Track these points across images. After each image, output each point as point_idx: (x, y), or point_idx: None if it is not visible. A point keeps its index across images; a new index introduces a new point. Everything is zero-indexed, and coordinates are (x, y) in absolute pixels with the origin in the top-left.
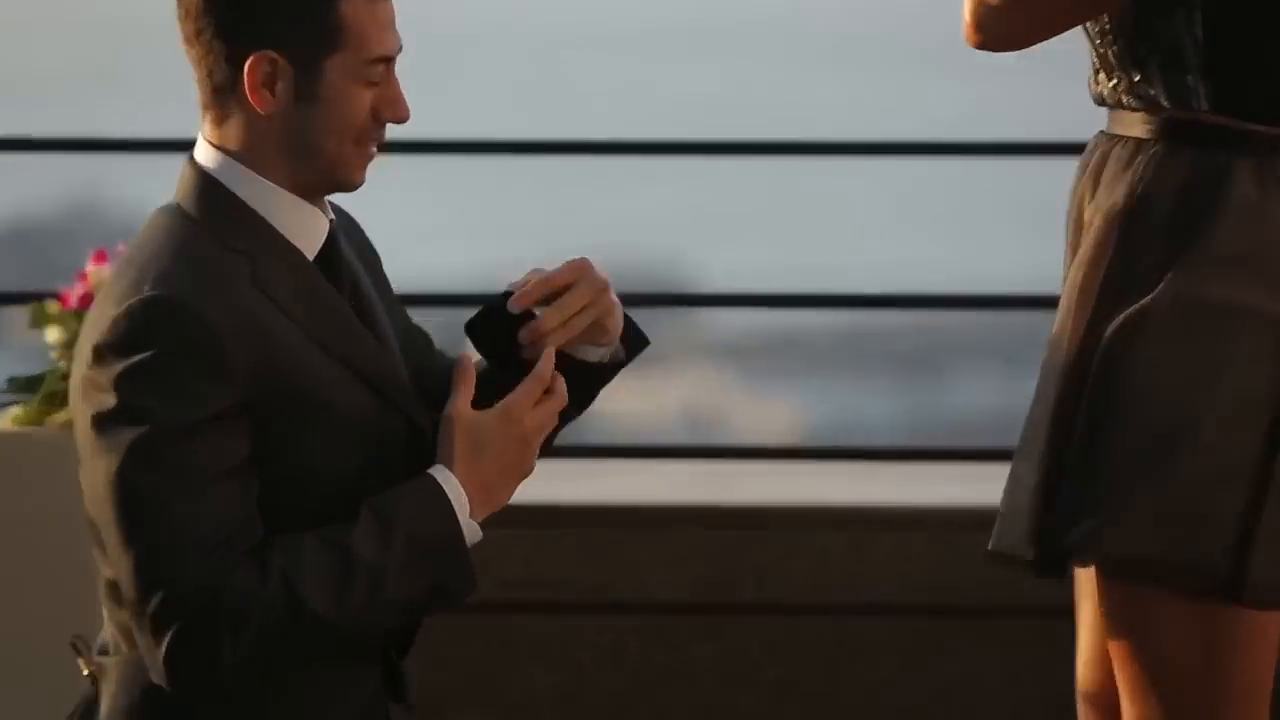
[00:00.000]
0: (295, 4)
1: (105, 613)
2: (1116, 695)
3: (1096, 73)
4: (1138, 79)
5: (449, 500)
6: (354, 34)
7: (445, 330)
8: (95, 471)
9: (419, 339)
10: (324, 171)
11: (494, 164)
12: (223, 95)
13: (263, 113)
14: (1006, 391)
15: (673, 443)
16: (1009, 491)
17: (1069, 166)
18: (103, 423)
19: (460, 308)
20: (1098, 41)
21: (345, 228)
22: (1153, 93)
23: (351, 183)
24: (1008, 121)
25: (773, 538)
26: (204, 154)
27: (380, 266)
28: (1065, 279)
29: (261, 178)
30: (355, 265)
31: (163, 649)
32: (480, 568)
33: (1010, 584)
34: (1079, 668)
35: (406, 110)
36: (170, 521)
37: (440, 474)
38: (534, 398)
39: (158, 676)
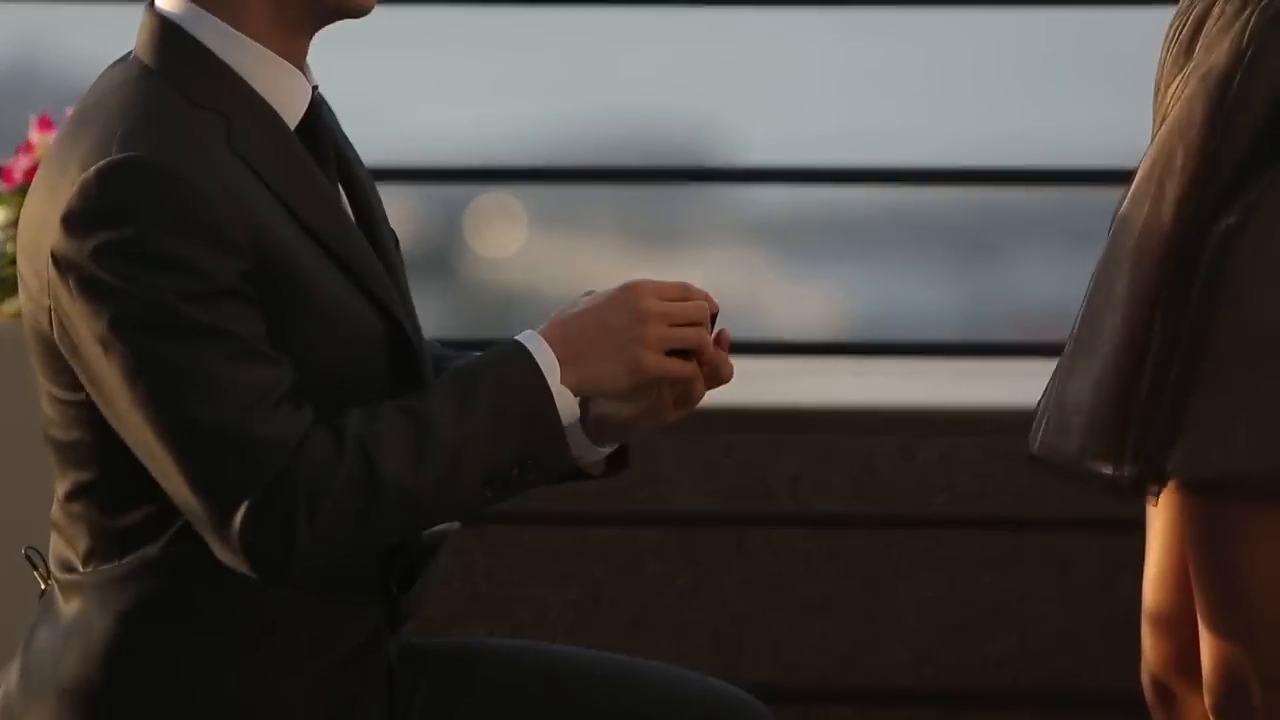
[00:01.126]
0: None
1: (64, 525)
2: (1184, 616)
3: None
4: None
5: (534, 361)
6: None
7: (446, 205)
8: (97, 361)
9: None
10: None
11: (496, 15)
12: None
13: None
14: (1073, 279)
15: None
16: (1060, 387)
17: (1160, 19)
18: (97, 308)
19: (456, 183)
20: None
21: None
22: None
23: (365, 4)
24: None
25: (810, 442)
26: (166, 0)
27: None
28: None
29: (238, 30)
30: (344, 145)
31: (234, 533)
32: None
33: (1068, 495)
34: (1146, 588)
35: None
36: (213, 390)
37: (527, 336)
38: (670, 291)
39: (234, 563)
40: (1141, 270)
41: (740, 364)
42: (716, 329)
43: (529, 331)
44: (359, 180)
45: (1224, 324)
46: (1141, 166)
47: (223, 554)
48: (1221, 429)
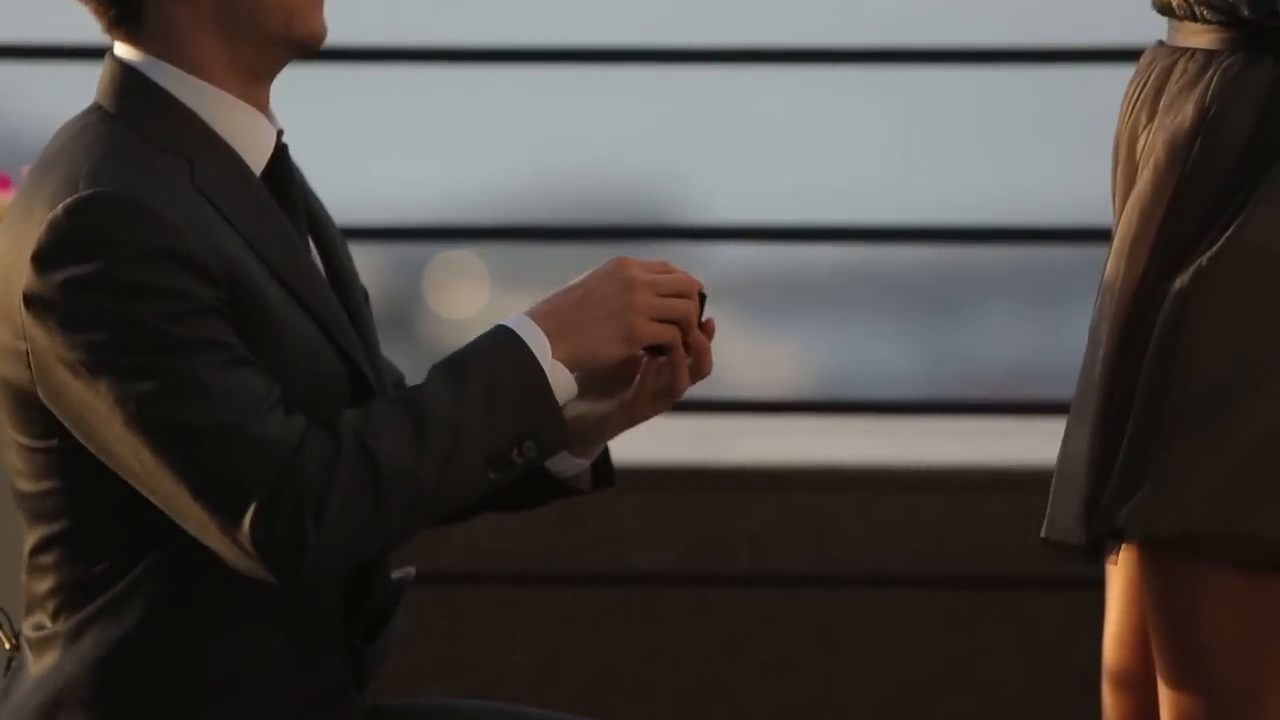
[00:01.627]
0: None
1: (34, 581)
2: (1145, 675)
3: None
4: None
5: (522, 339)
6: None
7: (407, 264)
8: (83, 394)
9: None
10: (280, 31)
11: (468, 75)
12: (128, 7)
13: None
14: (1034, 338)
15: None
16: (1062, 466)
17: (1119, 77)
18: (79, 340)
19: (417, 242)
20: None
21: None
22: (1233, 0)
23: (314, 33)
24: (1044, 22)
25: (771, 501)
26: (126, 50)
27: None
28: (1115, 211)
29: (196, 77)
30: (311, 196)
31: (244, 535)
32: (446, 534)
33: (1029, 553)
34: (1106, 646)
35: None
36: (206, 397)
37: (512, 319)
38: (655, 265)
39: (248, 567)
40: (1116, 339)
41: (700, 422)
42: (705, 315)
43: (515, 314)
44: (327, 231)
45: (1176, 384)
46: (1118, 229)
47: (235, 559)
48: (1175, 488)
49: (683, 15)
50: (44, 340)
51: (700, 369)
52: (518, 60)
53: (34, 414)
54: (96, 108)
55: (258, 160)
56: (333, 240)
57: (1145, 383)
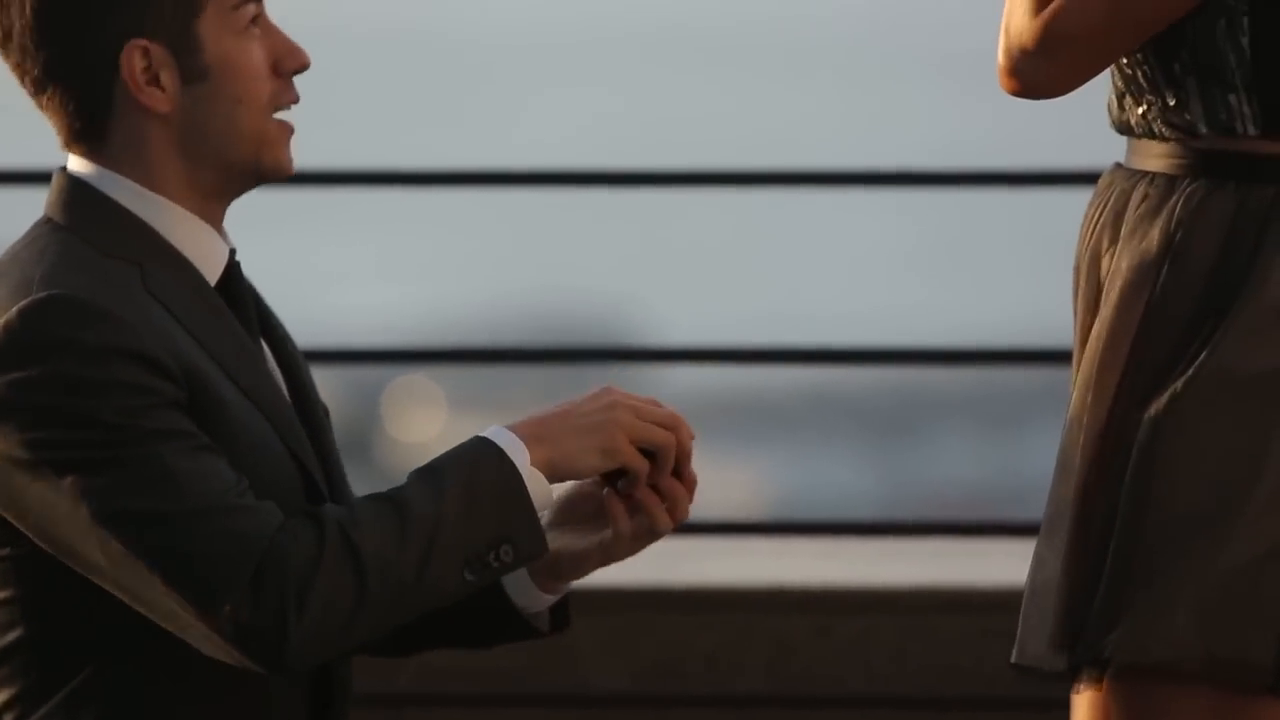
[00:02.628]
0: None
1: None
2: None
3: (1121, 98)
4: (1173, 103)
5: (498, 446)
6: None
7: (364, 388)
8: (43, 493)
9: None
10: (247, 160)
11: (426, 198)
12: (95, 121)
13: (162, 112)
14: (991, 459)
15: None
16: (1031, 592)
17: (1075, 200)
18: (36, 439)
19: (374, 364)
20: (1124, 61)
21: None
22: (1189, 117)
23: (280, 165)
24: (998, 147)
25: (727, 622)
26: (80, 164)
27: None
28: (1076, 333)
29: (153, 192)
30: (267, 311)
31: (223, 621)
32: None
33: (988, 674)
34: None
35: (305, 52)
36: (176, 484)
37: (490, 430)
38: (645, 398)
39: (228, 655)
40: (1087, 470)
41: (658, 544)
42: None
43: (493, 427)
44: (284, 346)
45: (1154, 510)
46: (1084, 356)
47: (213, 646)
48: (1160, 615)
49: (635, 138)
50: (0, 444)
51: (675, 514)
52: (471, 184)
53: None
54: (45, 220)
55: (211, 273)
56: (290, 355)
57: (1123, 510)
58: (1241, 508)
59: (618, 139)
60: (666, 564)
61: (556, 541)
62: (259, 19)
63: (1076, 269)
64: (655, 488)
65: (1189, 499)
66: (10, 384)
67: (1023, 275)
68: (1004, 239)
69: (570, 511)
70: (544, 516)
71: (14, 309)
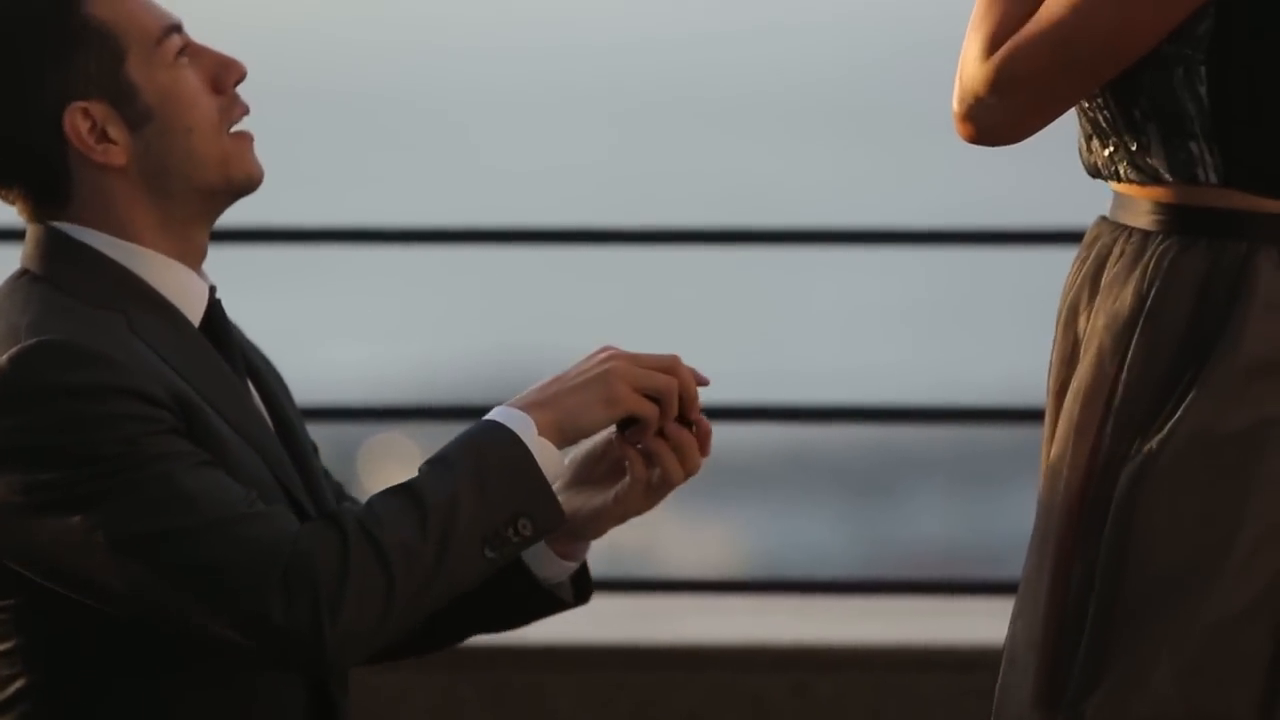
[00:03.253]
0: (46, 43)
1: None
2: None
3: (1089, 139)
4: (1134, 148)
5: (502, 423)
6: (121, 25)
7: (339, 446)
8: (53, 531)
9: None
10: (216, 181)
11: (416, 255)
12: (59, 190)
13: (118, 164)
14: (967, 517)
15: (594, 575)
16: (1010, 650)
17: (1060, 258)
18: (41, 479)
19: (349, 422)
20: (1086, 105)
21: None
22: (1152, 163)
23: (250, 175)
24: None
25: (704, 680)
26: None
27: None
28: (1050, 390)
29: (128, 241)
30: (252, 348)
31: (262, 627)
32: (377, 715)
33: None
34: None
35: (239, 63)
36: (192, 498)
37: (495, 409)
38: (635, 353)
39: (269, 657)
40: (1064, 531)
41: (633, 602)
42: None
43: (497, 407)
44: (269, 383)
45: (1134, 570)
46: (1061, 414)
47: (253, 648)
48: (1143, 674)
49: (617, 194)
50: (1, 490)
51: (686, 464)
52: (446, 241)
53: None
54: (23, 271)
55: (193, 313)
56: (275, 392)
57: (1101, 569)
58: (1220, 566)
59: (600, 195)
60: (643, 622)
61: (572, 502)
62: (186, 48)
63: (1057, 321)
64: (665, 437)
65: (1167, 558)
66: (7, 430)
67: (1004, 334)
68: (987, 298)
69: (585, 474)
70: (557, 484)
71: (4, 356)
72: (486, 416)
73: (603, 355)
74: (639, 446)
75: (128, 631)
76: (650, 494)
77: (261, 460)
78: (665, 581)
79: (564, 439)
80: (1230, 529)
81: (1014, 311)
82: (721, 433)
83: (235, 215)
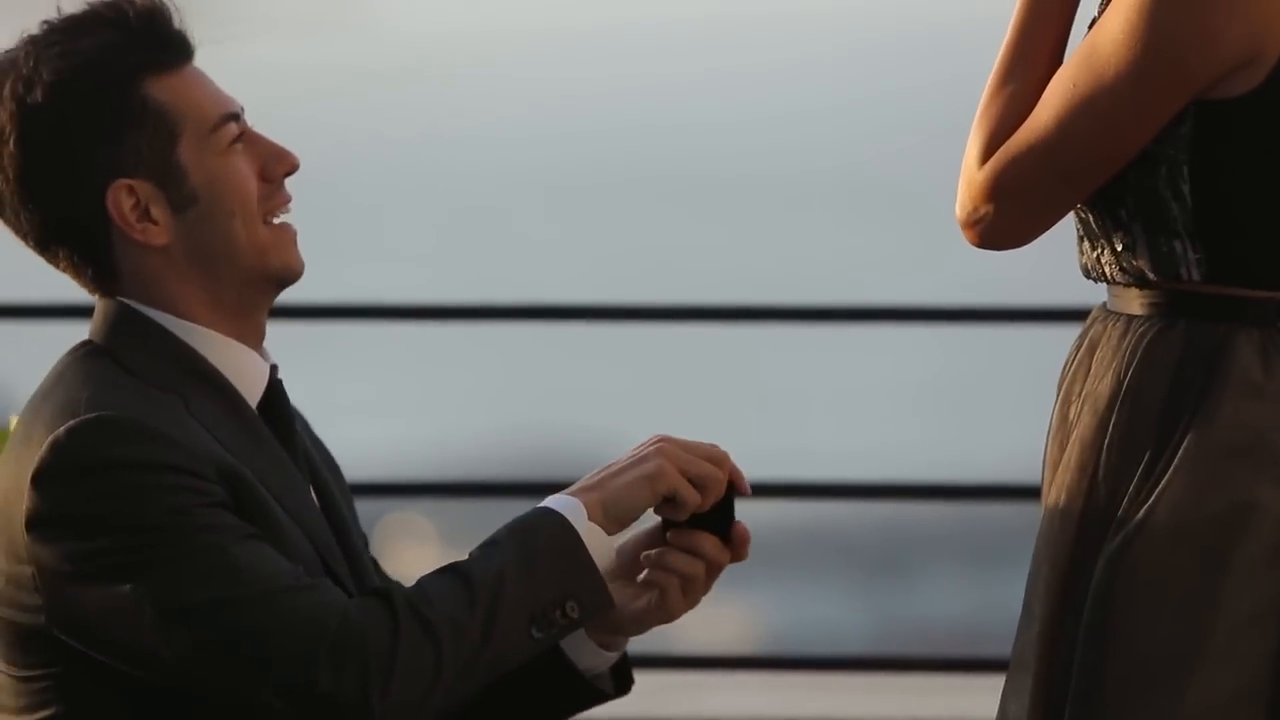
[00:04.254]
0: (103, 119)
1: None
2: None
3: (1080, 240)
4: (1120, 248)
5: (552, 508)
6: (179, 109)
7: (362, 525)
8: (102, 599)
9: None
10: (255, 269)
11: (413, 331)
12: (105, 264)
13: (159, 244)
14: (980, 595)
15: None
16: (1002, 709)
17: (1066, 335)
18: (92, 548)
19: (366, 498)
20: (1077, 206)
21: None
22: (1137, 263)
23: (289, 267)
24: (990, 283)
25: None
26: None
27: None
28: (1044, 474)
29: (185, 320)
30: (313, 436)
31: (308, 709)
32: None
33: None
34: None
35: (292, 155)
36: (241, 569)
37: (549, 499)
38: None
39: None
40: (1049, 595)
41: (650, 677)
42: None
43: (551, 496)
44: (322, 473)
45: (1114, 655)
46: (1049, 498)
47: (301, 714)
48: None
49: (632, 273)
50: (52, 559)
51: (737, 553)
52: (462, 318)
53: (33, 643)
54: (87, 343)
55: (252, 393)
56: (326, 479)
57: (1082, 653)
58: (1202, 651)
59: (616, 274)
60: (661, 698)
61: (619, 596)
62: (243, 135)
63: (1055, 404)
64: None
65: (1148, 643)
66: (58, 499)
67: (1016, 411)
68: (999, 375)
69: (633, 563)
70: (604, 571)
71: (62, 428)
72: (540, 504)
73: (654, 440)
74: (681, 540)
75: (167, 703)
76: (687, 595)
77: (312, 547)
78: (682, 658)
79: (610, 519)
80: (1210, 613)
81: (1025, 389)
82: (736, 510)
83: None
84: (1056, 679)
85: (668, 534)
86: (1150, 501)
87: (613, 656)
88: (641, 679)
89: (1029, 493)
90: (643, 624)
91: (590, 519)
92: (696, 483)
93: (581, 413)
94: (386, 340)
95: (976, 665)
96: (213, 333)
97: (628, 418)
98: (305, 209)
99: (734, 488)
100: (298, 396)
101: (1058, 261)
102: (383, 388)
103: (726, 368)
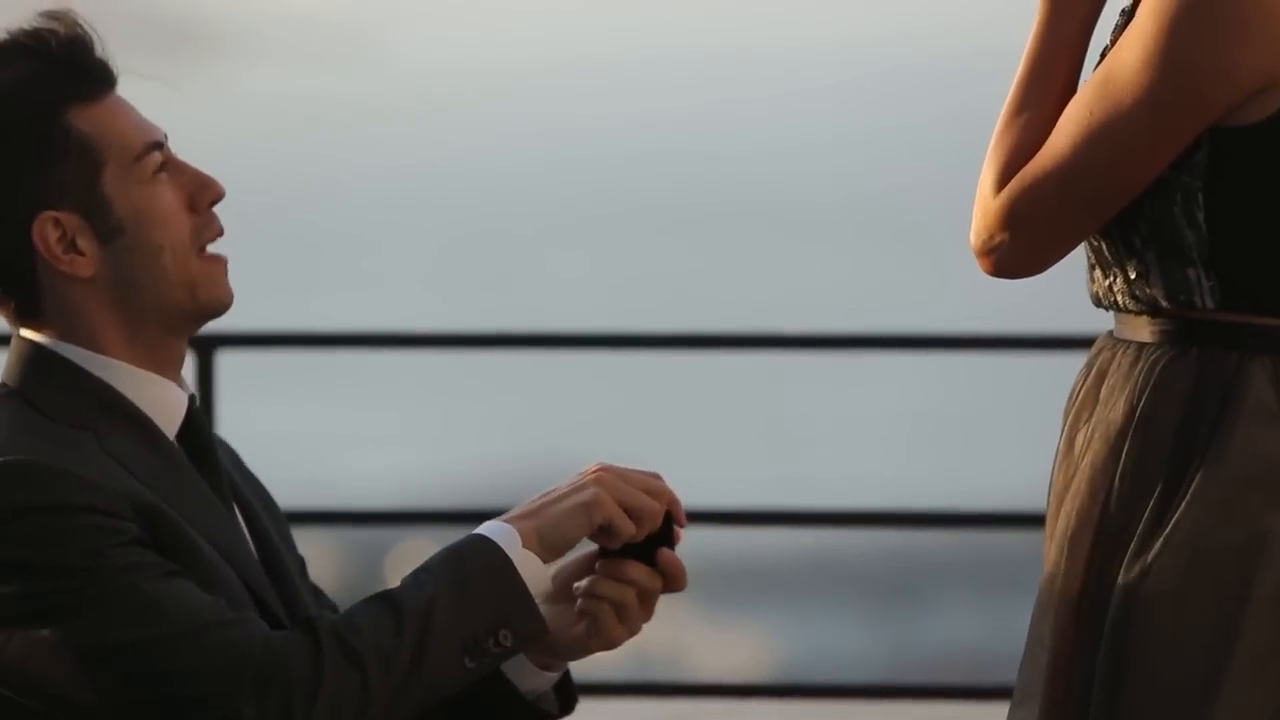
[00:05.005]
0: (27, 151)
1: None
2: None
3: (1092, 269)
4: (1134, 276)
5: (485, 535)
6: (103, 139)
7: (368, 552)
8: (19, 645)
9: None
10: (181, 302)
11: (424, 360)
12: (29, 296)
13: (85, 276)
14: (993, 622)
15: (622, 679)
16: None
17: (1073, 361)
18: (4, 602)
19: (379, 526)
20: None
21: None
22: (1150, 292)
23: (218, 300)
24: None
25: None
26: (34, 334)
27: (262, 488)
28: (1050, 501)
29: (101, 355)
30: (238, 462)
31: None
32: None
33: None
34: None
35: (218, 183)
36: (158, 612)
37: (482, 526)
38: (627, 468)
39: None
40: (1060, 624)
41: (663, 705)
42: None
43: (485, 522)
44: (248, 499)
45: (1133, 686)
46: (1056, 524)
47: None
48: None
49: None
50: None
51: (674, 584)
52: (475, 346)
53: None
54: (2, 386)
55: (169, 425)
56: (252, 505)
57: (1100, 683)
58: (1224, 681)
59: (626, 303)
60: None
61: (553, 619)
62: (166, 164)
63: (1062, 432)
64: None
65: (1169, 674)
66: None
67: (1024, 439)
68: (1010, 402)
69: (571, 588)
70: (539, 596)
71: None
72: (474, 531)
73: (593, 468)
74: (610, 569)
75: None
76: (626, 621)
77: (234, 573)
78: (693, 686)
79: (546, 547)
80: (1231, 645)
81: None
82: (746, 538)
83: (266, 321)
84: (1071, 710)
85: (597, 563)
86: (1166, 531)
87: (554, 677)
88: (654, 707)
89: (1037, 520)
90: (582, 649)
91: (525, 546)
92: (632, 514)
93: (592, 440)
94: (401, 370)
95: (990, 693)
96: (128, 366)
97: (637, 444)
98: (319, 238)
99: (671, 518)
100: (313, 424)
101: (1062, 290)
102: (396, 417)
103: (738, 395)
